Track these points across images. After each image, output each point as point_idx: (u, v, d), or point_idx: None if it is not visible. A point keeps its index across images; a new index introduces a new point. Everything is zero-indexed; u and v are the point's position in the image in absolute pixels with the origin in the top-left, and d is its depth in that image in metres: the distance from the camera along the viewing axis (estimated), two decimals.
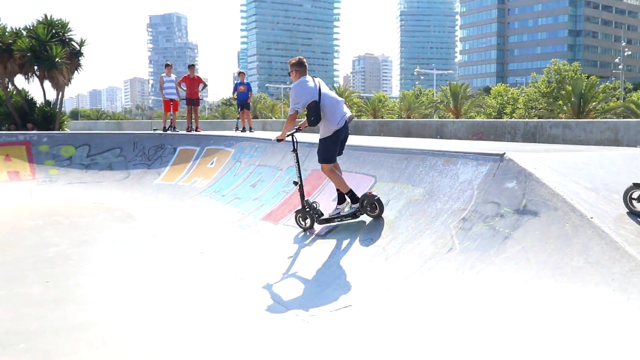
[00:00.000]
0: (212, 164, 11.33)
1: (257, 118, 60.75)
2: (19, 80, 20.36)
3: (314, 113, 6.15)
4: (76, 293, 5.39)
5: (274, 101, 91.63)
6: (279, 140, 6.59)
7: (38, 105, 20.94)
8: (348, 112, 6.39)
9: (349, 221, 6.41)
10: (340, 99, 6.53)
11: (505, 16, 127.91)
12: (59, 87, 19.97)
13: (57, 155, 12.71)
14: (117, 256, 6.91)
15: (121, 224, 9.05)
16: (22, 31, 19.41)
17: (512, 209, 4.85)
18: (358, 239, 6.01)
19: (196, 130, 14.85)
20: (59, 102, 20.61)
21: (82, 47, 19.69)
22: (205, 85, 15.20)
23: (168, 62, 15.38)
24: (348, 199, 6.44)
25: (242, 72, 15.61)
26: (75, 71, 20.12)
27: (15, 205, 10.74)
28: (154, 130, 15.38)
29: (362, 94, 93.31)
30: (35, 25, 19.31)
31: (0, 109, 21.00)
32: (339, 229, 6.43)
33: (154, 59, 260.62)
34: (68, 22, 19.64)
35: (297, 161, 6.66)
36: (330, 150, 6.36)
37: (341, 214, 6.43)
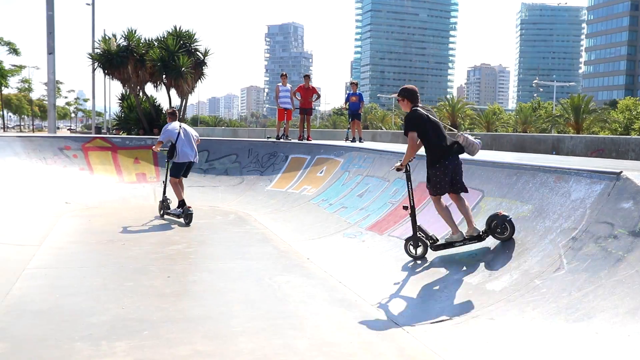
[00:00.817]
0: (321, 172, 11.67)
1: (368, 128, 61.06)
2: (148, 88, 21.93)
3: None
4: (194, 288, 5.84)
5: (385, 111, 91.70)
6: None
7: (164, 111, 22.52)
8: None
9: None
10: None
11: (639, 24, 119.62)
12: (184, 94, 21.36)
13: None
14: (231, 257, 7.35)
15: (235, 227, 9.57)
16: (154, 42, 20.97)
17: (627, 230, 4.65)
18: (462, 253, 6.00)
19: (307, 139, 15.31)
20: (183, 109, 22.02)
21: (206, 57, 20.93)
22: (318, 96, 15.65)
23: (284, 72, 16.01)
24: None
25: (355, 83, 15.89)
26: (199, 80, 21.41)
27: (142, 204, 11.68)
28: (268, 138, 16.05)
29: (475, 106, 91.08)
30: (165, 36, 20.79)
31: (131, 115, 22.85)
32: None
33: (270, 68, 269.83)
34: (194, 33, 20.98)
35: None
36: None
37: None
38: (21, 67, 52.17)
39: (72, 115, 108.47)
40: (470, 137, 5.97)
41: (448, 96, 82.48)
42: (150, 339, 4.31)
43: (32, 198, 10.51)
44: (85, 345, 4.14)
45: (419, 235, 6.19)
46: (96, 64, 21.65)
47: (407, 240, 6.37)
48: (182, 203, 9.76)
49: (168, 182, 10.11)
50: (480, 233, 5.87)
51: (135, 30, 20.65)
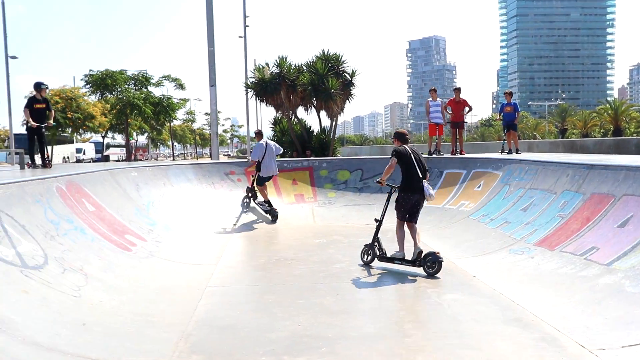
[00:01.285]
0: (479, 187, 11.33)
1: (520, 139, 58.34)
2: (299, 112, 22.78)
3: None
4: (363, 306, 5.93)
5: (537, 120, 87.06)
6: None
7: (315, 133, 23.28)
8: None
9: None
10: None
11: None
12: (333, 116, 21.93)
13: (334, 179, 14.01)
14: (394, 274, 7.36)
15: (393, 244, 9.57)
16: (304, 67, 21.82)
17: None
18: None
19: (460, 154, 14.97)
20: (332, 130, 22.63)
21: (353, 78, 21.34)
22: (470, 109, 15.28)
23: (433, 87, 15.86)
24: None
25: (509, 93, 15.29)
26: (347, 100, 21.87)
27: (302, 224, 12.13)
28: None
29: None
30: (314, 61, 21.55)
31: (285, 138, 23.89)
32: (624, 260, 5.92)
33: (412, 83, 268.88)
34: (342, 55, 21.49)
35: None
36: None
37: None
38: (186, 100, 56.97)
39: (228, 141, 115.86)
40: (430, 190, 7.64)
41: (609, 98, 76.05)
42: (329, 356, 4.44)
43: (204, 220, 11.37)
44: None
45: (374, 245, 7.95)
46: (251, 92, 23.01)
47: (365, 246, 8.10)
48: (269, 203, 12.38)
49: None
50: (414, 260, 7.34)
51: (286, 58, 21.66)
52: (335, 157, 18.48)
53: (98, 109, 43.82)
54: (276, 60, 21.43)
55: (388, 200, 8.20)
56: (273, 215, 12.29)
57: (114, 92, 43.66)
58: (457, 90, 15.31)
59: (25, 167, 12.50)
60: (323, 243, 9.80)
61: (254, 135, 13.91)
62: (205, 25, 19.83)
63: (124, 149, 55.53)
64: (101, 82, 41.79)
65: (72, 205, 7.78)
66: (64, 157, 48.67)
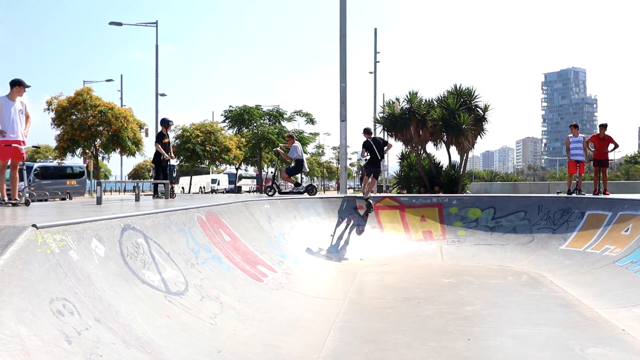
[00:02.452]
0: (627, 230, 10.41)
1: None
2: (428, 147, 22.53)
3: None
4: (498, 354, 5.60)
5: None
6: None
7: (444, 169, 22.86)
8: None
9: None
10: None
11: None
12: (464, 151, 21.43)
13: (464, 217, 13.59)
14: (532, 322, 6.90)
15: (529, 289, 9.04)
16: (434, 102, 21.63)
17: None
18: None
19: (604, 193, 13.93)
20: (462, 166, 22.09)
21: (486, 113, 20.77)
22: (616, 146, 14.24)
23: (575, 123, 15.00)
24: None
25: None
26: (479, 135, 21.30)
27: (430, 262, 11.85)
28: (558, 193, 15.05)
29: None
30: (445, 95, 21.30)
31: (412, 173, 23.70)
32: None
33: (547, 117, 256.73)
34: (474, 90, 21.05)
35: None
36: None
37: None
38: (316, 135, 58.68)
39: (355, 175, 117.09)
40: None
41: None
42: None
43: (332, 254, 11.48)
44: None
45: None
46: (380, 127, 23.15)
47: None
48: (296, 184, 15.86)
49: (280, 176, 16.90)
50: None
51: (416, 93, 21.61)
52: (465, 194, 17.98)
53: (234, 142, 46.35)
54: (406, 96, 21.47)
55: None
56: (312, 190, 15.36)
57: (249, 127, 45.99)
58: (603, 126, 14.35)
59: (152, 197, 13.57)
60: (453, 283, 9.48)
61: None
62: (337, 62, 20.33)
63: (255, 180, 58.12)
64: (239, 118, 44.30)
65: (211, 235, 8.20)
66: (200, 187, 51.84)
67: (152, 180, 13.67)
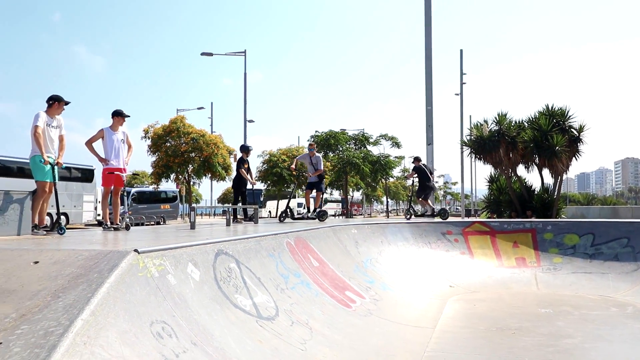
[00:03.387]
0: None
1: None
2: (519, 169, 21.79)
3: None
4: None
5: None
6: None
7: (536, 192, 21.96)
8: None
9: None
10: None
11: None
12: (557, 174, 20.53)
13: (560, 243, 12.94)
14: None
15: (636, 322, 8.45)
16: (525, 123, 20.93)
17: None
18: None
19: None
20: (556, 189, 21.14)
21: (581, 133, 19.84)
22: None
23: None
24: None
25: None
26: (573, 157, 20.34)
27: (524, 290, 11.36)
28: None
29: None
30: (537, 116, 20.56)
31: (502, 197, 22.95)
32: None
33: None
34: (568, 110, 20.18)
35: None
36: None
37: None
38: (401, 158, 58.34)
39: (441, 198, 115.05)
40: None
41: None
42: None
43: (421, 280, 11.27)
44: None
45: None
46: (467, 150, 22.67)
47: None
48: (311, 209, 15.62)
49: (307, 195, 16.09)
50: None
51: (505, 114, 21.02)
52: (560, 219, 17.16)
53: None
54: (495, 117, 20.94)
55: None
56: (322, 216, 15.08)
57: (335, 151, 46.43)
58: None
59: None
60: (550, 313, 9.01)
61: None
62: (423, 85, 20.21)
63: (340, 204, 58.35)
64: (325, 142, 44.81)
65: (300, 260, 8.28)
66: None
67: (232, 205, 14.07)
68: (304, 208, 15.33)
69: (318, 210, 15.32)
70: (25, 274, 4.60)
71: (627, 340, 7.34)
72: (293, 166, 16.52)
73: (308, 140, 46.49)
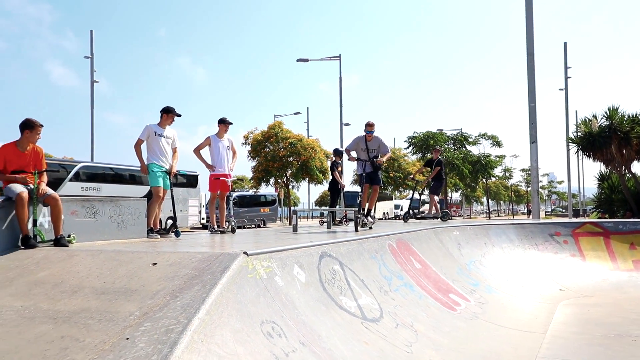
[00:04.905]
0: None
1: None
2: (634, 166, 20.44)
3: None
4: None
5: None
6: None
7: None
8: None
9: None
10: None
11: None
12: None
13: None
14: None
15: None
16: (639, 117, 19.62)
17: None
18: None
19: None
20: None
21: None
22: None
23: None
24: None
25: None
26: None
27: None
28: None
29: None
30: None
31: (615, 196, 21.63)
32: None
33: None
34: None
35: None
36: None
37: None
38: (502, 157, 56.51)
39: (545, 198, 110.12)
40: None
41: None
42: None
43: (528, 283, 10.84)
44: None
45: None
46: (574, 147, 21.57)
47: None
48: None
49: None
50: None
51: (617, 108, 19.81)
52: None
53: (417, 167, 46.41)
54: (605, 112, 19.80)
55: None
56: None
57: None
58: None
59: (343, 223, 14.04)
60: None
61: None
62: (525, 81, 19.46)
63: (440, 205, 57.39)
64: (423, 143, 44.30)
65: (402, 262, 8.23)
66: (383, 213, 52.44)
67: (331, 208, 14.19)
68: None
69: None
70: (145, 274, 4.90)
71: None
72: (350, 158, 11.02)
73: (406, 141, 45.98)
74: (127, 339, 3.71)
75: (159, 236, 8.59)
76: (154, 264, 5.12)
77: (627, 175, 20.57)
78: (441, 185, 17.02)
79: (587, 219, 19.28)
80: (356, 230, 10.12)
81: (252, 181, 43.84)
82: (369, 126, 10.63)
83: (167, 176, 8.83)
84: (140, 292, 4.52)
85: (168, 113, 8.83)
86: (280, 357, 4.16)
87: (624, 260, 12.16)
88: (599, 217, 22.04)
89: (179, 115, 8.93)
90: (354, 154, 10.93)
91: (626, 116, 19.75)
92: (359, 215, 10.41)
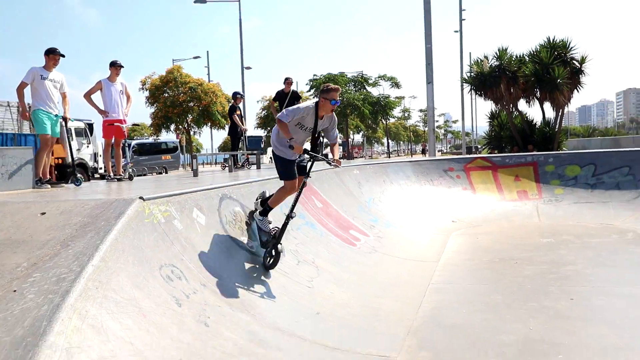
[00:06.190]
0: None
1: None
2: (520, 104, 21.64)
3: None
4: (603, 314, 5.39)
5: None
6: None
7: (537, 126, 21.88)
8: None
9: None
10: None
11: None
12: (559, 107, 20.42)
13: (562, 175, 13.01)
14: (639, 281, 6.59)
15: (636, 247, 8.61)
16: (526, 57, 20.64)
17: None
18: None
19: None
20: (558, 123, 21.06)
21: (583, 65, 19.59)
22: None
23: None
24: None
25: None
26: (575, 89, 20.14)
27: (526, 223, 11.51)
28: None
29: None
30: (538, 49, 20.26)
31: (503, 132, 22.89)
32: None
33: None
34: (570, 41, 19.87)
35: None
36: None
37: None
38: (401, 98, 57.92)
39: (442, 137, 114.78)
40: None
41: None
42: None
43: (424, 217, 11.40)
44: None
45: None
46: (468, 87, 22.47)
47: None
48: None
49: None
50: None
51: (506, 49, 20.72)
52: (562, 152, 17.19)
53: None
54: (496, 53, 20.66)
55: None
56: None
57: None
58: None
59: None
60: (552, 243, 9.16)
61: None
62: (422, 23, 19.83)
63: (341, 147, 58.30)
64: None
65: (303, 202, 8.34)
66: None
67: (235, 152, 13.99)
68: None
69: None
70: (33, 225, 4.67)
71: (627, 264, 7.49)
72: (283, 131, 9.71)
73: (307, 84, 45.96)
74: (15, 291, 3.55)
75: (49, 186, 8.15)
76: (43, 213, 4.87)
77: (515, 112, 21.75)
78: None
79: (478, 155, 20.37)
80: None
81: (151, 128, 42.33)
82: (334, 91, 5.61)
83: (56, 123, 8.32)
84: (28, 243, 4.30)
85: (50, 54, 8.24)
86: (181, 299, 4.16)
87: (510, 192, 13.05)
88: (489, 153, 23.34)
89: (63, 56, 8.35)
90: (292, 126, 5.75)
91: (514, 57, 20.74)
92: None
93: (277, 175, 6.22)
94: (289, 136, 5.49)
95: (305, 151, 5.58)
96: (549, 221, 11.45)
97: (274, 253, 5.69)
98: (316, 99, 5.78)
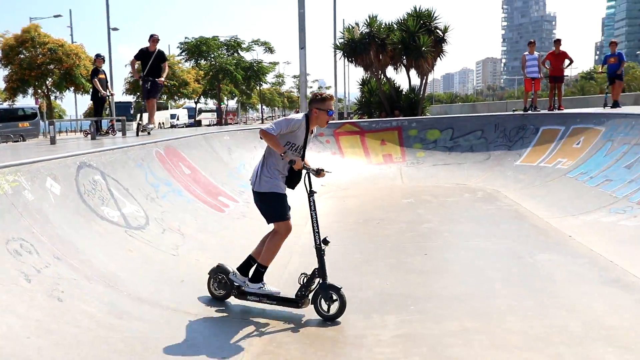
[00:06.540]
0: (578, 144, 10.74)
1: (625, 91, 54.48)
2: (389, 71, 22.40)
3: None
4: (453, 266, 5.88)
5: None
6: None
7: (404, 92, 22.86)
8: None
9: None
10: None
11: None
12: (423, 74, 21.41)
13: (424, 139, 13.77)
14: (486, 234, 7.22)
15: (485, 204, 9.37)
16: (394, 25, 21.33)
17: None
18: None
19: (559, 109, 14.23)
20: (422, 89, 22.13)
21: (446, 34, 20.62)
22: (571, 62, 14.36)
23: (531, 40, 15.05)
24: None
25: (614, 42, 14.34)
26: (438, 57, 21.19)
27: (390, 185, 12.10)
28: (514, 110, 15.33)
29: None
30: (405, 18, 21.00)
31: (373, 98, 23.66)
32: None
33: (507, 37, 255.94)
34: (434, 11, 20.79)
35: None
36: None
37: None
38: (275, 64, 57.73)
39: None
40: None
41: None
42: (418, 314, 4.46)
43: None
44: (358, 318, 4.45)
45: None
46: (340, 53, 22.88)
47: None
48: None
49: None
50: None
51: (376, 16, 21.24)
52: (425, 117, 18.13)
53: (192, 75, 45.35)
54: (366, 20, 21.11)
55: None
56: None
57: (207, 59, 44.90)
58: (557, 42, 14.42)
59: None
60: (412, 203, 9.74)
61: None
62: None
63: (215, 113, 57.29)
64: (196, 49, 43.14)
65: (170, 169, 8.17)
66: (159, 123, 50.87)
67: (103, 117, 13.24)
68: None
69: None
70: None
71: (475, 220, 8.17)
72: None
73: (178, 47, 44.37)
74: None
75: None
76: None
77: (383, 79, 22.53)
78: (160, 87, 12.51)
79: (346, 120, 20.95)
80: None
81: (5, 92, 38.85)
82: (330, 100, 4.89)
83: None
84: None
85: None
86: (31, 274, 3.94)
87: (376, 155, 13.62)
88: (359, 119, 24.07)
89: None
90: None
91: (383, 24, 21.37)
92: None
93: (141, 142, 6.01)
94: (282, 150, 4.66)
95: (304, 167, 4.94)
96: (411, 183, 12.12)
97: (334, 297, 4.55)
98: (303, 113, 4.89)
